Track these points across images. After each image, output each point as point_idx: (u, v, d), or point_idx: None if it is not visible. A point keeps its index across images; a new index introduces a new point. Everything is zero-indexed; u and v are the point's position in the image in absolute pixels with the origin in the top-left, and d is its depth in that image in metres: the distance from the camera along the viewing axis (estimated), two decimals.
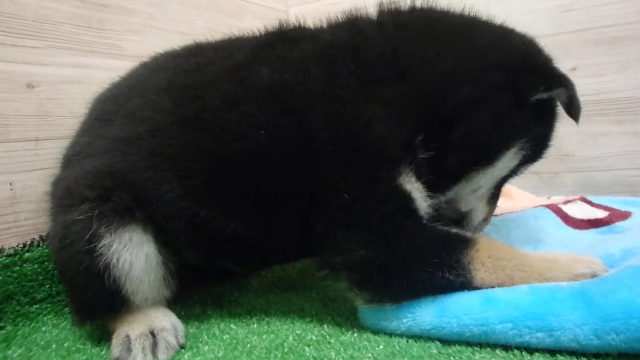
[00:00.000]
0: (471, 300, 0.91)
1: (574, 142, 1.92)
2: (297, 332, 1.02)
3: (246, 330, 1.05)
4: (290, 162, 0.99)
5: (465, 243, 0.95)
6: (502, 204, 1.67)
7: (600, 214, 1.41)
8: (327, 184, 0.97)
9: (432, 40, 1.04)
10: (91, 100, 1.24)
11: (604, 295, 0.82)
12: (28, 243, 1.23)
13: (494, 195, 1.21)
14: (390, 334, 0.97)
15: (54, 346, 1.05)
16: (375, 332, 0.99)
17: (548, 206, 1.47)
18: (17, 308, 1.17)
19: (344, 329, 1.01)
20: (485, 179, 1.09)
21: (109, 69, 1.46)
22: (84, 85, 1.33)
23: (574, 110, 1.05)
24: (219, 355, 0.93)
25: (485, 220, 1.20)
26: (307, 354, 0.91)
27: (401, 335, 0.95)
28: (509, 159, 1.06)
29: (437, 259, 0.92)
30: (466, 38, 1.05)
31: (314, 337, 0.98)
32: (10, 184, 1.22)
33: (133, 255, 0.97)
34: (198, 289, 1.34)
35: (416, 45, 1.03)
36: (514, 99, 1.01)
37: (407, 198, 0.97)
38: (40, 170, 1.28)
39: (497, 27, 1.12)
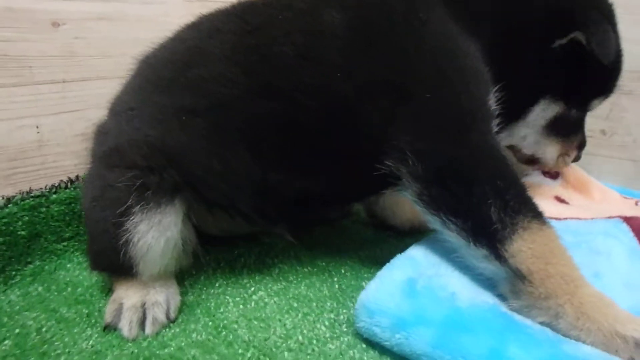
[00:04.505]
0: (476, 344, 0.80)
1: None
2: (284, 330, 0.99)
3: (237, 314, 1.04)
4: (368, 104, 0.97)
5: (536, 213, 0.90)
6: (575, 202, 1.43)
7: None
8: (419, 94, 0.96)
9: None
10: (139, 57, 1.17)
11: None
12: (56, 185, 1.29)
13: (570, 132, 1.26)
14: (381, 352, 0.92)
15: (69, 290, 1.14)
16: (368, 344, 0.94)
17: (628, 220, 1.22)
18: (45, 245, 1.26)
19: (334, 336, 0.97)
20: (526, 129, 1.22)
21: (145, 2, 1.39)
22: (115, 22, 1.27)
23: (599, 52, 1.04)
24: (199, 340, 0.95)
25: (565, 155, 1.29)
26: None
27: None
28: (538, 112, 1.18)
29: (500, 190, 0.89)
30: None
31: (300, 339, 0.95)
32: (37, 127, 1.25)
33: (154, 239, 0.96)
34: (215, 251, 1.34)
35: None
36: (533, 48, 1.10)
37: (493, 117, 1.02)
38: (68, 113, 1.29)
39: None
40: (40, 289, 1.14)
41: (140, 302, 1.00)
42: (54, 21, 1.25)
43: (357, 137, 0.99)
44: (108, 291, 1.12)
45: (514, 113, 1.12)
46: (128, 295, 1.02)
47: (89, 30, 1.31)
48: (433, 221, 0.94)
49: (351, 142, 1.00)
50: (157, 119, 1.03)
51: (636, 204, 1.40)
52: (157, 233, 0.96)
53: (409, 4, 1.02)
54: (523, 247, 0.85)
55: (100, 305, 1.07)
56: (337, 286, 1.16)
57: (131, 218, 0.94)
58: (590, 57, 1.06)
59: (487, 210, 0.86)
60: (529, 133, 1.22)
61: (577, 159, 1.33)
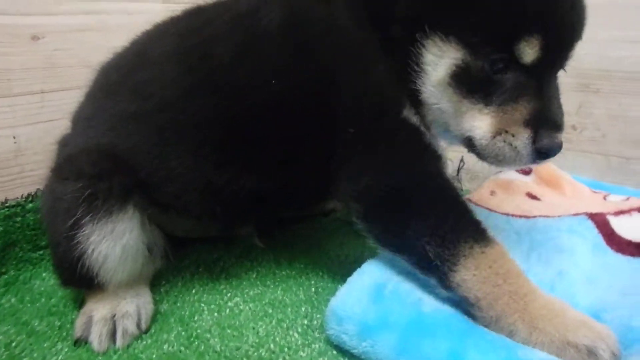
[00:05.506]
0: (437, 350, 0.76)
1: None
2: (256, 339, 0.94)
3: (211, 323, 0.99)
4: (304, 104, 0.92)
5: (477, 236, 0.82)
6: (546, 197, 1.40)
7: None
8: (340, 117, 0.91)
9: None
10: (99, 66, 1.13)
11: None
12: (32, 194, 1.23)
13: (501, 96, 0.85)
14: (351, 359, 0.87)
15: (42, 300, 1.08)
16: (339, 351, 0.89)
17: (592, 216, 1.18)
18: (20, 254, 1.20)
19: (305, 343, 0.92)
20: (431, 89, 0.88)
21: (127, 12, 1.35)
22: (97, 33, 1.23)
23: None
24: (171, 351, 0.90)
25: (505, 132, 0.85)
26: None
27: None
28: (431, 59, 0.86)
29: (434, 225, 0.82)
30: None
31: (271, 347, 0.90)
32: (14, 137, 1.20)
33: (109, 248, 0.92)
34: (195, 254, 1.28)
35: None
36: None
37: (417, 131, 0.91)
38: (46, 122, 1.24)
39: None
40: (13, 300, 1.08)
41: (110, 313, 0.95)
42: (33, 35, 1.21)
43: (298, 142, 0.94)
44: (82, 301, 1.05)
45: (404, 64, 0.88)
46: (97, 308, 0.96)
47: (69, 41, 1.26)
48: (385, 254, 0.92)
49: (292, 147, 0.95)
50: (107, 126, 0.99)
51: (604, 198, 1.36)
52: (111, 242, 0.91)
53: (328, 10, 0.94)
54: (466, 276, 0.80)
55: (74, 316, 1.01)
56: (313, 289, 1.11)
57: (82, 230, 0.89)
58: None
59: (423, 250, 0.82)
60: (437, 95, 0.89)
61: (547, 153, 0.85)
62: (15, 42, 1.18)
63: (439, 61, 0.85)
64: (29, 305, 1.06)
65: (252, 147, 0.96)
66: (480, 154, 0.89)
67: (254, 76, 0.93)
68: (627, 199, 1.29)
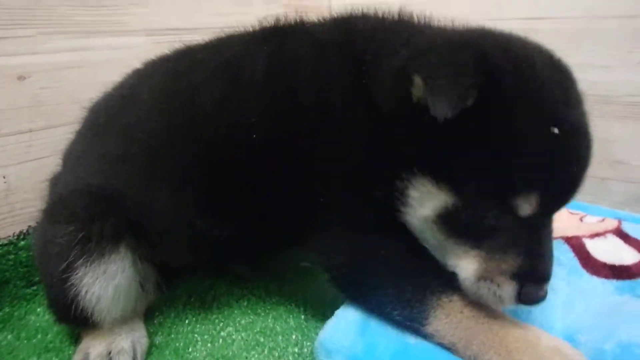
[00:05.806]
0: None
1: (629, 148, 1.59)
2: None
3: (205, 353, 1.01)
4: (281, 160, 0.92)
5: (443, 287, 0.85)
6: None
7: (630, 257, 1.13)
8: (311, 185, 0.91)
9: None
10: (89, 104, 1.15)
11: None
12: (24, 231, 1.24)
13: (492, 242, 0.79)
14: None
15: (39, 336, 1.09)
16: None
17: (568, 240, 1.22)
18: (14, 291, 1.21)
19: None
20: (418, 223, 0.84)
21: (113, 47, 1.37)
22: (83, 69, 1.24)
23: (430, 100, 0.68)
24: None
25: (490, 281, 0.80)
26: None
27: None
28: (417, 197, 0.81)
29: (396, 295, 0.85)
30: None
31: None
32: (4, 177, 1.21)
33: (102, 288, 0.93)
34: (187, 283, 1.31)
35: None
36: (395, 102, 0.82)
37: (387, 210, 0.87)
38: (35, 161, 1.25)
39: None
40: (9, 337, 1.09)
41: (106, 350, 0.97)
42: (19, 75, 1.21)
43: (275, 197, 0.94)
44: (78, 336, 1.07)
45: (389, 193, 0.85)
46: (94, 345, 0.98)
47: (55, 79, 1.27)
48: None
49: (270, 201, 0.95)
50: (97, 166, 1.01)
51: (581, 219, 1.40)
52: (104, 283, 0.93)
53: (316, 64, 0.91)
54: (439, 325, 0.82)
55: (70, 352, 1.03)
56: (302, 316, 1.14)
57: (75, 273, 0.91)
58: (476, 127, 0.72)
59: (390, 316, 0.86)
60: (421, 228, 0.85)
61: (530, 303, 0.81)
62: (2, 83, 1.19)
63: (425, 201, 0.80)
64: (25, 341, 1.07)
65: (230, 197, 0.96)
66: (462, 289, 0.84)
67: (234, 129, 0.93)
68: (603, 220, 1.33)
